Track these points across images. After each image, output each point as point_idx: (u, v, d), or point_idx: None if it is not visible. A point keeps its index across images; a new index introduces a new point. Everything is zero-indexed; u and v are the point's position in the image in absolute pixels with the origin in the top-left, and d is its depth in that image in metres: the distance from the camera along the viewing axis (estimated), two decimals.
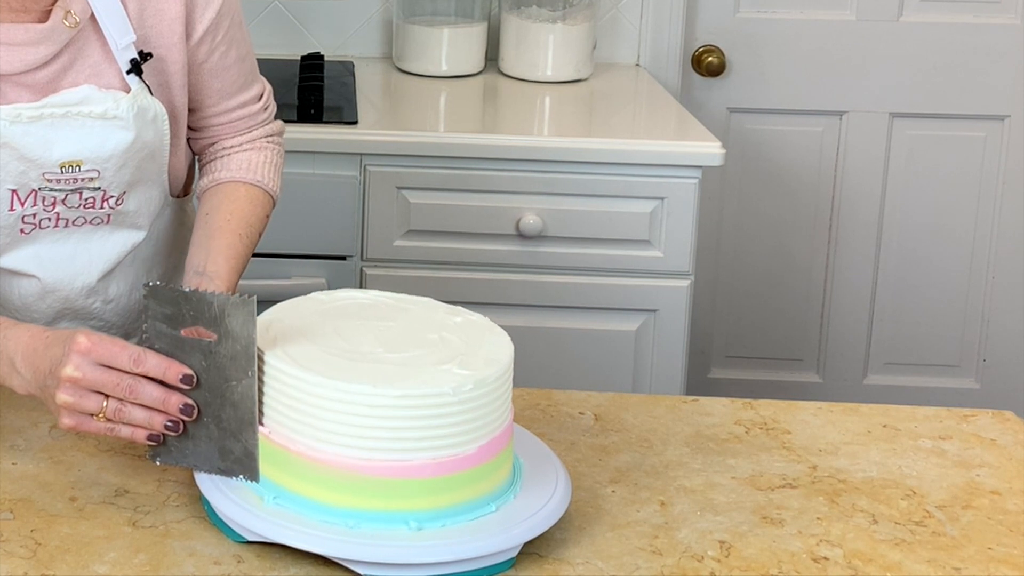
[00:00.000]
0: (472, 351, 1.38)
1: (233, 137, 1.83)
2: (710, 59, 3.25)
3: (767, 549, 1.39)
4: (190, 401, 1.38)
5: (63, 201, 1.67)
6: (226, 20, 1.75)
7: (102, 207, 1.70)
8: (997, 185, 3.33)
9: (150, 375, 1.38)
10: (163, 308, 1.37)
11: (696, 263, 2.77)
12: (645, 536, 1.40)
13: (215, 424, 1.38)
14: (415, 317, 1.45)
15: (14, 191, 1.64)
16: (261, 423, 1.36)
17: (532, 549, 1.36)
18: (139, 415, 1.39)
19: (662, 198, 2.67)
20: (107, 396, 1.39)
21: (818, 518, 1.45)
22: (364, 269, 2.71)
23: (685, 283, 2.71)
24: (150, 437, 1.40)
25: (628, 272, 2.70)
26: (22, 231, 1.68)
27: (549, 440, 1.57)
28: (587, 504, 1.45)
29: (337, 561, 1.31)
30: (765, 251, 3.35)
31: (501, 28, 3.12)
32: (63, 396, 1.39)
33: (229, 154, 1.83)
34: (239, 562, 1.33)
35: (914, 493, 1.51)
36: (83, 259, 1.72)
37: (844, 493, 1.50)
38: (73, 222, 1.69)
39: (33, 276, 1.70)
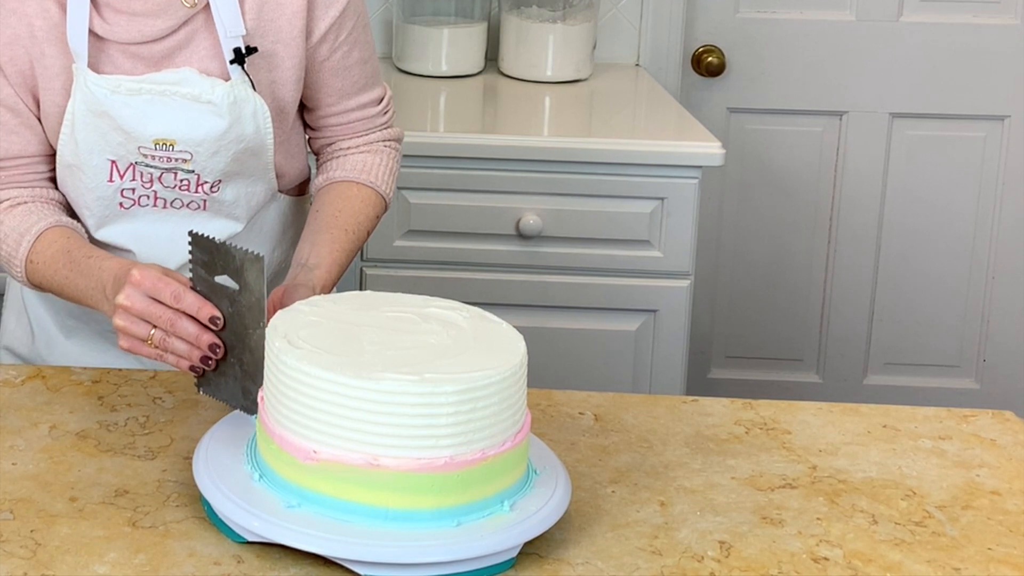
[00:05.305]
0: (479, 329, 1.40)
1: (351, 139, 1.87)
2: (710, 59, 3.25)
3: (767, 549, 1.39)
4: (218, 341, 1.51)
5: (159, 179, 1.74)
6: (350, 20, 1.79)
7: (197, 191, 1.76)
8: (997, 185, 3.33)
9: (187, 312, 1.51)
10: (202, 255, 1.50)
11: (696, 263, 2.77)
12: (645, 536, 1.40)
13: (239, 365, 1.50)
14: (384, 307, 1.45)
15: (113, 162, 1.73)
16: None
17: (532, 549, 1.36)
18: (181, 347, 1.52)
19: (662, 198, 2.67)
20: (155, 325, 1.53)
21: (818, 518, 1.45)
22: (364, 269, 2.70)
23: (685, 283, 2.71)
24: (192, 368, 1.54)
25: (628, 272, 2.70)
26: (121, 205, 1.76)
27: (549, 440, 1.57)
28: (587, 504, 1.45)
29: (337, 561, 1.31)
30: (765, 251, 3.35)
31: (501, 28, 3.12)
32: (117, 321, 1.55)
33: (345, 155, 1.86)
34: (239, 562, 1.33)
35: (914, 493, 1.51)
36: (179, 242, 1.77)
37: (844, 493, 1.50)
38: (171, 203, 1.77)
39: (129, 251, 1.78)
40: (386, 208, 1.87)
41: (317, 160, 1.91)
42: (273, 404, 1.36)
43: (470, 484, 1.33)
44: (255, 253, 1.44)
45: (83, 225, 1.78)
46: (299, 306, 1.45)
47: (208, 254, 1.49)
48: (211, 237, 1.48)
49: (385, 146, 1.88)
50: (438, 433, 1.30)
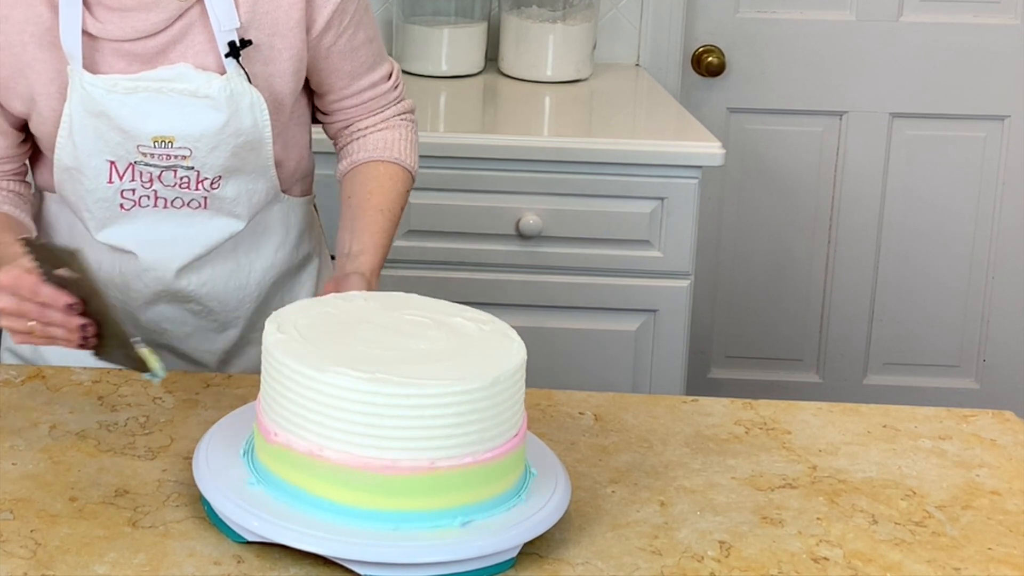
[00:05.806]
0: (488, 342, 1.40)
1: (367, 118, 1.88)
2: (710, 59, 3.25)
3: (767, 549, 1.39)
4: (85, 322, 1.58)
5: (159, 178, 1.74)
6: (352, 3, 1.79)
7: (197, 189, 1.75)
8: (997, 185, 3.33)
9: (48, 304, 1.58)
10: (37, 256, 1.58)
11: (696, 263, 2.77)
12: (645, 536, 1.40)
13: (115, 336, 1.59)
14: (407, 310, 1.45)
15: (112, 163, 1.72)
16: (133, 336, 1.58)
17: (532, 549, 1.36)
18: (59, 332, 1.59)
19: (662, 198, 2.67)
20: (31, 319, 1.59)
21: (818, 518, 1.45)
22: None
23: (685, 283, 2.71)
24: (82, 346, 1.60)
25: (628, 272, 2.70)
26: (122, 206, 1.76)
27: (549, 440, 1.57)
28: (587, 504, 1.45)
29: (337, 561, 1.31)
30: (765, 251, 3.35)
31: (501, 28, 3.12)
32: (2, 321, 1.61)
33: (364, 135, 1.87)
34: (239, 562, 1.33)
35: (914, 493, 1.51)
36: (181, 242, 1.79)
37: (844, 493, 1.50)
38: (171, 203, 1.76)
39: (131, 253, 1.79)
40: (413, 181, 1.88)
41: (336, 146, 1.91)
42: (262, 388, 1.39)
43: (415, 491, 1.31)
44: (70, 249, 1.54)
45: (85, 228, 1.79)
46: (330, 298, 1.48)
47: (40, 254, 1.58)
48: (35, 240, 1.59)
49: (401, 120, 1.89)
50: (381, 434, 1.30)
